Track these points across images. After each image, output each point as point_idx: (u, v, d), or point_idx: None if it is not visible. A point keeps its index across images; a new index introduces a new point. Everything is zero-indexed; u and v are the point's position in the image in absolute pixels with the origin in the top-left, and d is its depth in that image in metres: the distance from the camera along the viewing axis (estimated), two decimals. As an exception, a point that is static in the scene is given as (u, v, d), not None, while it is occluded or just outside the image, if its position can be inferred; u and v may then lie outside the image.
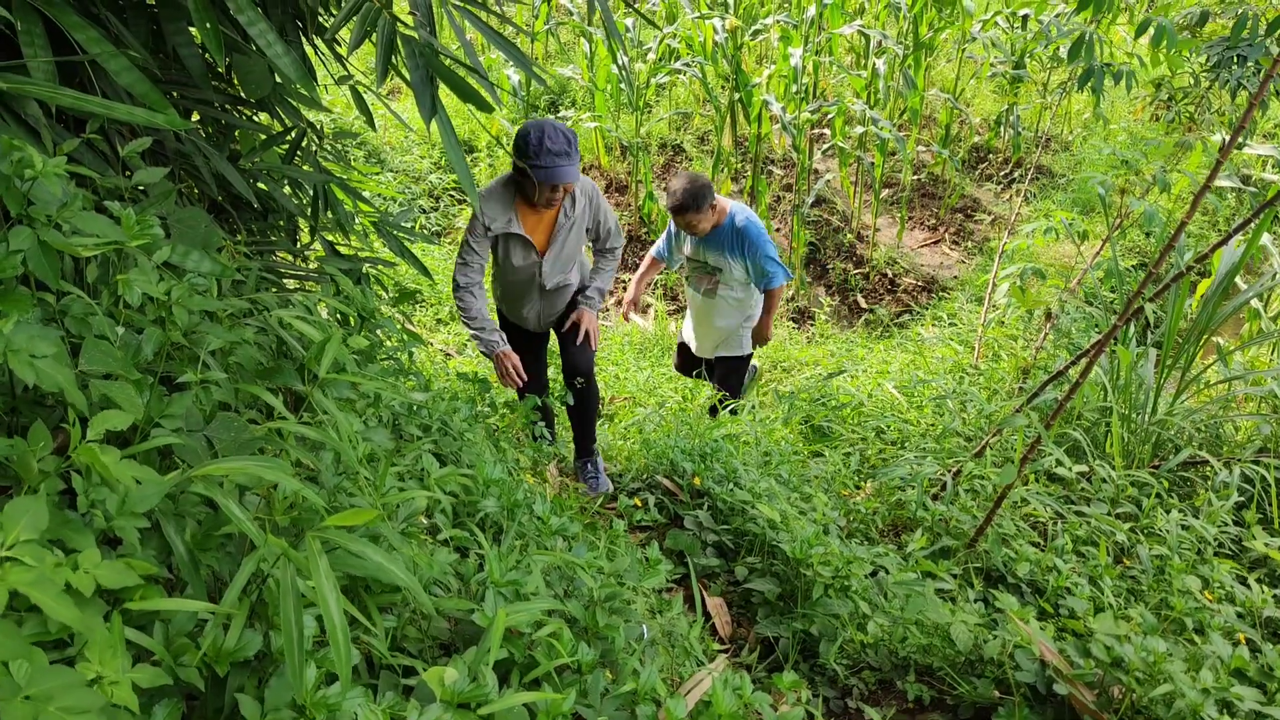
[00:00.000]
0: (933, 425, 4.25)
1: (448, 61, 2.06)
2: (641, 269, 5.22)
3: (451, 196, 7.91)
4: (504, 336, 4.01)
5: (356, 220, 3.13)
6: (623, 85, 7.65)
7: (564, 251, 4.03)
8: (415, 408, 2.67)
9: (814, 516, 3.11)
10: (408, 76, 2.04)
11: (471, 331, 4.04)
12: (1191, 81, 6.39)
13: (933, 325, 6.17)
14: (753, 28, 8.16)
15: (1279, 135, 8.14)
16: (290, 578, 1.23)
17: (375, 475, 1.75)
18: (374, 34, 1.90)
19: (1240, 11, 5.57)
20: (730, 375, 5.27)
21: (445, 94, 2.30)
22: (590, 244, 4.28)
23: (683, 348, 5.47)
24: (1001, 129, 8.75)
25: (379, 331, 2.93)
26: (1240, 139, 6.04)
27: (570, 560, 1.91)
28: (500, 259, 4.01)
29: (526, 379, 4.02)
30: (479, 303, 3.97)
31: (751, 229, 4.76)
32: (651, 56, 7.86)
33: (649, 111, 8.71)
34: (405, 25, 2.12)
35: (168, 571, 1.38)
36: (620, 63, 7.42)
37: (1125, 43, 8.30)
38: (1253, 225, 4.43)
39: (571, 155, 3.63)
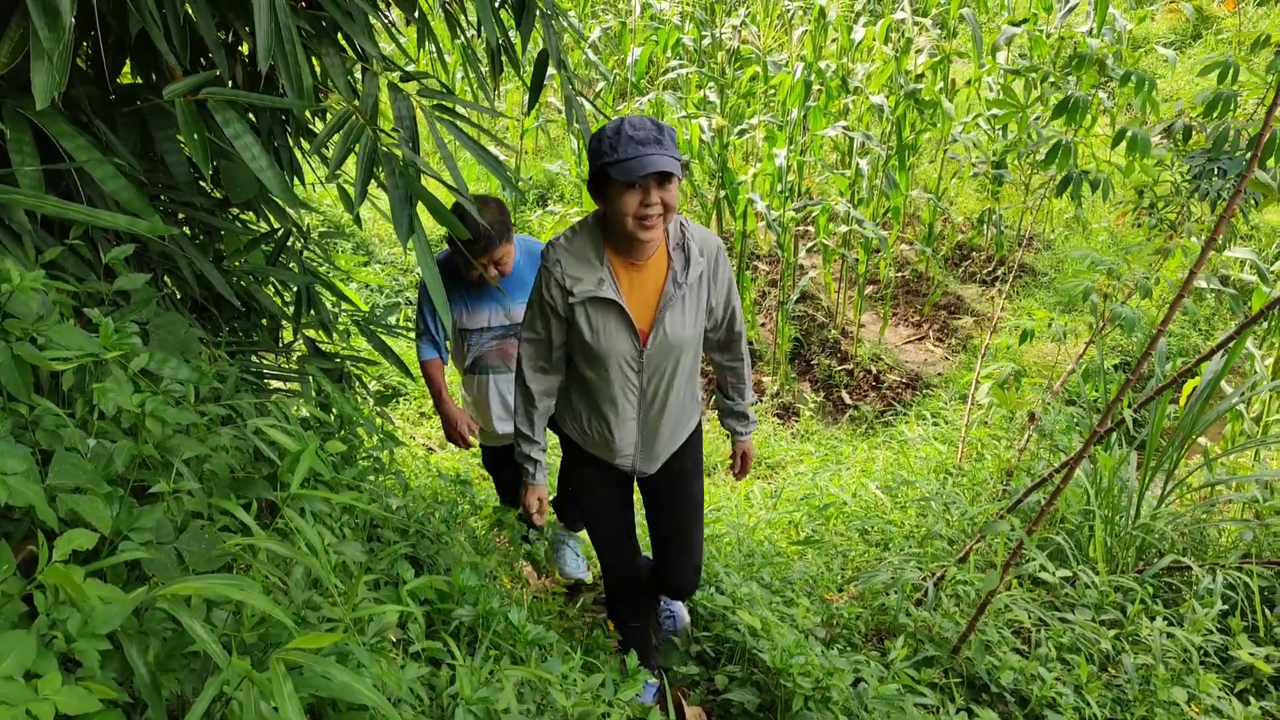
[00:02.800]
0: (916, 527, 4.23)
1: (430, 182, 2.08)
2: (436, 385, 3.84)
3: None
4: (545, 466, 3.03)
5: (339, 318, 3.15)
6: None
7: (675, 338, 2.74)
8: (393, 511, 2.65)
9: (796, 623, 3.08)
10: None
11: (530, 461, 2.98)
12: (1173, 190, 6.50)
13: (917, 423, 6.18)
14: (738, 127, 8.31)
15: (1255, 237, 8.28)
16: (254, 701, 1.21)
17: (348, 585, 1.72)
18: (356, 149, 1.92)
19: (1221, 127, 5.70)
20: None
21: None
22: (706, 331, 2.96)
23: (494, 462, 4.16)
24: (984, 228, 8.87)
25: (359, 429, 2.92)
26: (1215, 247, 6.14)
27: (543, 676, 1.88)
28: (575, 344, 2.77)
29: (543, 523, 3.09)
30: (544, 421, 3.00)
31: (539, 245, 3.73)
32: (639, 154, 7.97)
33: (636, 207, 8.81)
34: (389, 136, 2.16)
35: (129, 695, 1.35)
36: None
37: (1105, 149, 8.47)
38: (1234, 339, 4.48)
39: (665, 144, 2.47)
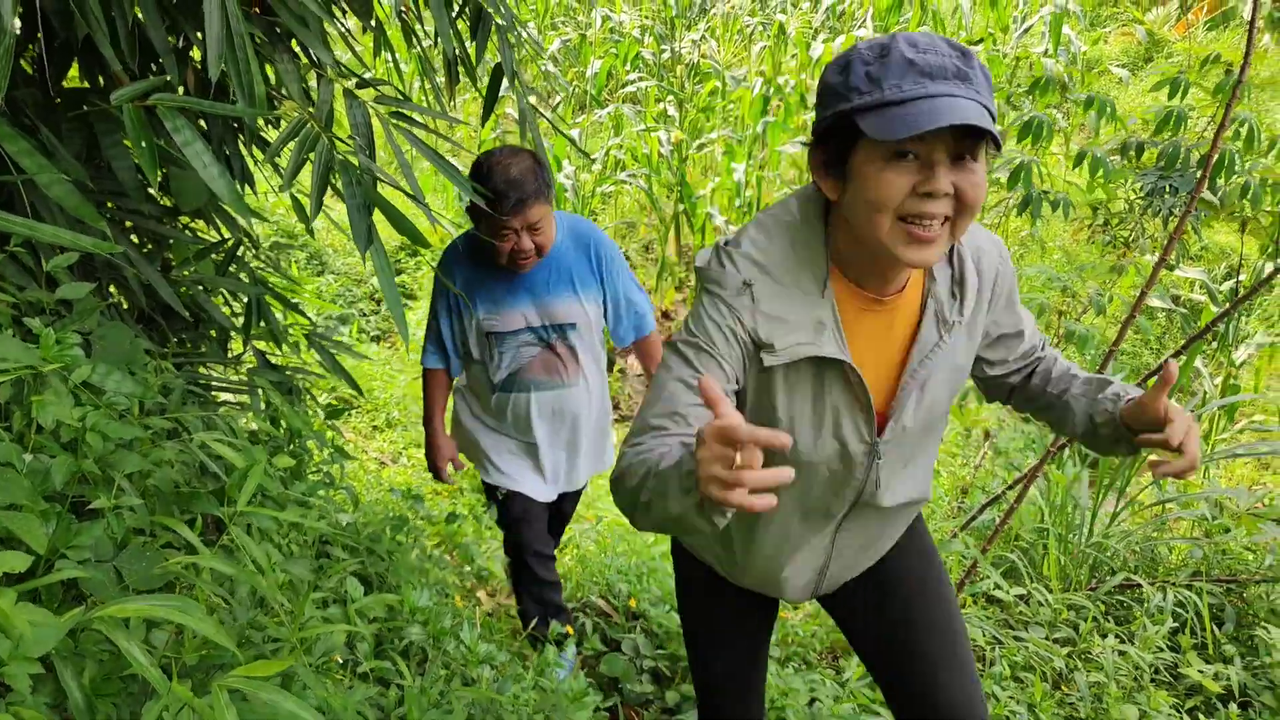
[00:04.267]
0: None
1: (388, 189, 2.05)
2: (432, 401, 3.19)
3: (395, 299, 7.89)
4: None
5: (290, 330, 3.09)
6: (568, 194, 7.73)
7: (930, 415, 1.70)
8: (342, 528, 2.60)
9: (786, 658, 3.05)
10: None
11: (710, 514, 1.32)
12: (1126, 207, 6.60)
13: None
14: (698, 141, 8.33)
15: (1204, 257, 8.40)
16: (193, 728, 1.17)
17: (295, 604, 1.68)
18: (311, 157, 1.89)
19: (1173, 145, 5.78)
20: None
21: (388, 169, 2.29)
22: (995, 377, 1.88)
23: (525, 511, 3.20)
24: (940, 245, 8.94)
25: (310, 443, 2.87)
26: (1169, 263, 6.23)
27: (494, 697, 1.85)
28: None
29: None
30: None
31: (590, 225, 3.06)
32: (598, 166, 7.97)
33: (596, 218, 8.80)
34: (345, 144, 2.12)
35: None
36: (565, 171, 7.52)
37: (1061, 167, 8.58)
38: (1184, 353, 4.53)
39: (973, 79, 1.35)
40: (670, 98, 8.92)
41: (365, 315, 7.63)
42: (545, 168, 2.75)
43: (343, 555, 2.55)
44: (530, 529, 3.21)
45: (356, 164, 1.97)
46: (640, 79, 9.07)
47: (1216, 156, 5.38)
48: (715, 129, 8.59)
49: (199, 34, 2.17)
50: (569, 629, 3.22)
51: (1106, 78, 10.60)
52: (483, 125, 3.16)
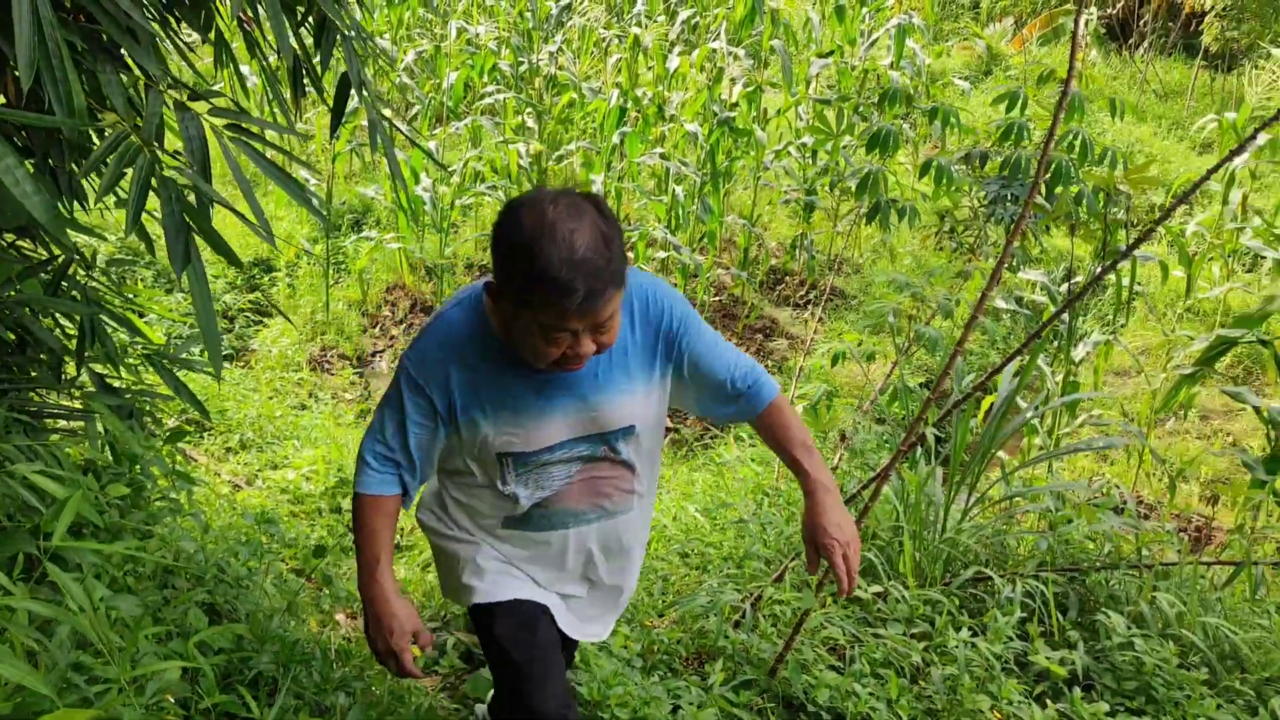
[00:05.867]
0: (735, 548, 4.27)
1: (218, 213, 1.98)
2: (374, 542, 2.11)
3: (247, 317, 7.65)
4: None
5: (130, 352, 2.97)
6: (427, 206, 7.63)
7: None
8: (186, 557, 2.50)
9: (614, 652, 3.05)
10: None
11: None
12: (971, 215, 6.84)
13: (735, 445, 6.27)
14: (556, 153, 8.33)
15: (1045, 260, 8.78)
16: (6, 780, 1.10)
17: (129, 641, 1.60)
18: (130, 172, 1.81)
19: (1013, 154, 6.04)
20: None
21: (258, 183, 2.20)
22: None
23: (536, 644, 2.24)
24: (797, 252, 9.12)
25: (153, 469, 2.76)
26: (1010, 267, 6.49)
27: (345, 726, 1.79)
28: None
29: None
30: None
31: (652, 283, 2.18)
32: (456, 179, 7.89)
33: (455, 232, 8.71)
34: (175, 159, 2.04)
35: None
36: (423, 184, 7.42)
37: (910, 176, 8.87)
38: (1027, 351, 4.72)
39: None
40: (529, 109, 8.90)
41: (231, 333, 7.40)
42: (615, 226, 1.87)
43: (187, 585, 2.45)
44: (546, 678, 2.19)
45: (178, 180, 1.89)
46: (498, 91, 9.01)
47: (1052, 165, 5.65)
48: (574, 140, 8.59)
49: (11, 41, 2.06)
50: None
51: (950, 89, 10.98)
52: (332, 136, 3.08)
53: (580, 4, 9.87)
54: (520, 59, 9.40)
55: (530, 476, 2.14)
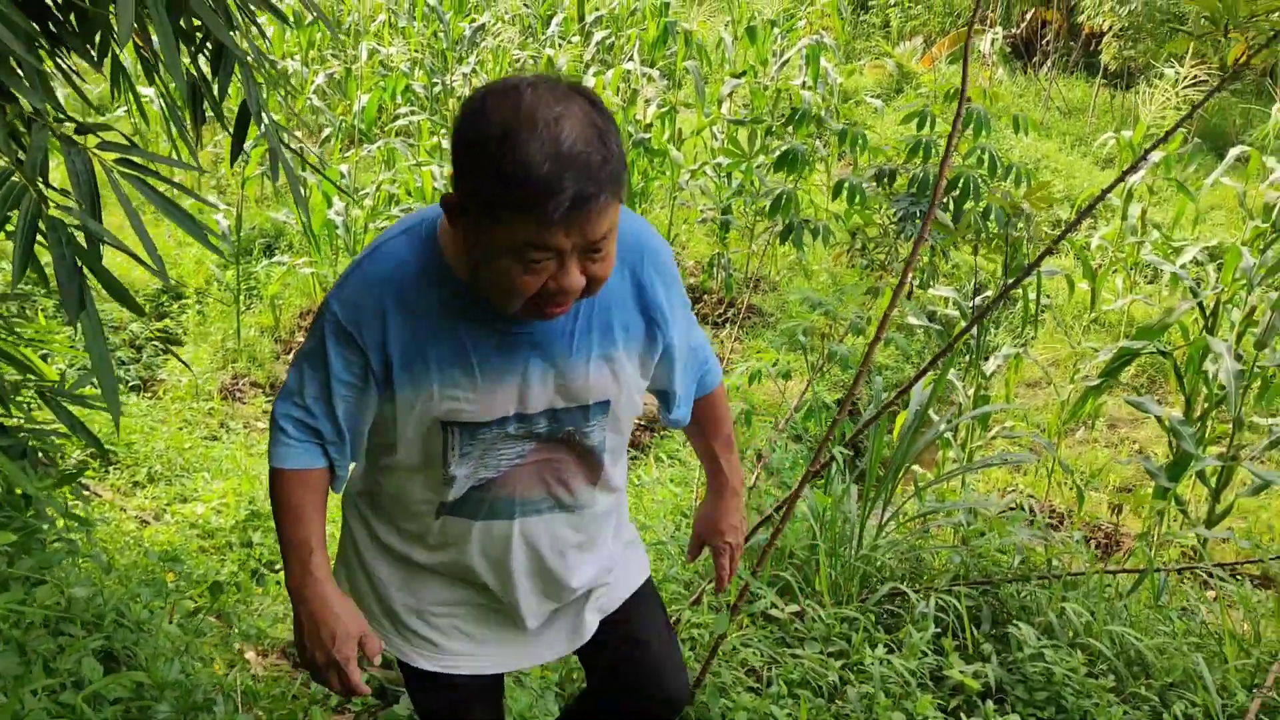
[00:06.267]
0: (653, 571, 4.26)
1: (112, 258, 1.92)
2: (302, 524, 1.73)
3: (155, 346, 7.47)
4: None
5: (22, 388, 2.87)
6: (339, 230, 7.54)
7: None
8: (83, 602, 2.42)
9: (530, 684, 3.02)
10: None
11: None
12: (881, 232, 6.94)
13: (654, 466, 6.28)
14: (472, 175, 8.27)
15: (956, 275, 8.95)
16: None
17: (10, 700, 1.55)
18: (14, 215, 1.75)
19: (923, 171, 6.15)
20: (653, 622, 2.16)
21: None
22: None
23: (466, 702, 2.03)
24: (714, 271, 9.18)
25: (50, 510, 2.67)
26: (921, 283, 6.60)
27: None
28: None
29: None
30: None
31: (639, 224, 1.81)
32: (369, 202, 7.81)
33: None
34: (63, 197, 1.98)
35: None
36: (335, 208, 7.33)
37: (823, 194, 8.97)
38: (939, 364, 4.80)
39: None
40: (443, 131, 8.85)
41: (124, 364, 7.20)
42: (611, 122, 1.48)
43: (83, 632, 2.37)
44: None
45: (68, 221, 1.84)
46: (412, 112, 8.95)
47: (961, 181, 5.76)
48: (489, 162, 8.56)
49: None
50: None
51: (863, 107, 11.18)
52: (232, 164, 3.03)
53: (494, 25, 9.85)
54: (434, 80, 9.36)
55: (476, 453, 1.72)
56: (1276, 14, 2.96)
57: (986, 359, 6.25)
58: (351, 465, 1.85)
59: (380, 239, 1.69)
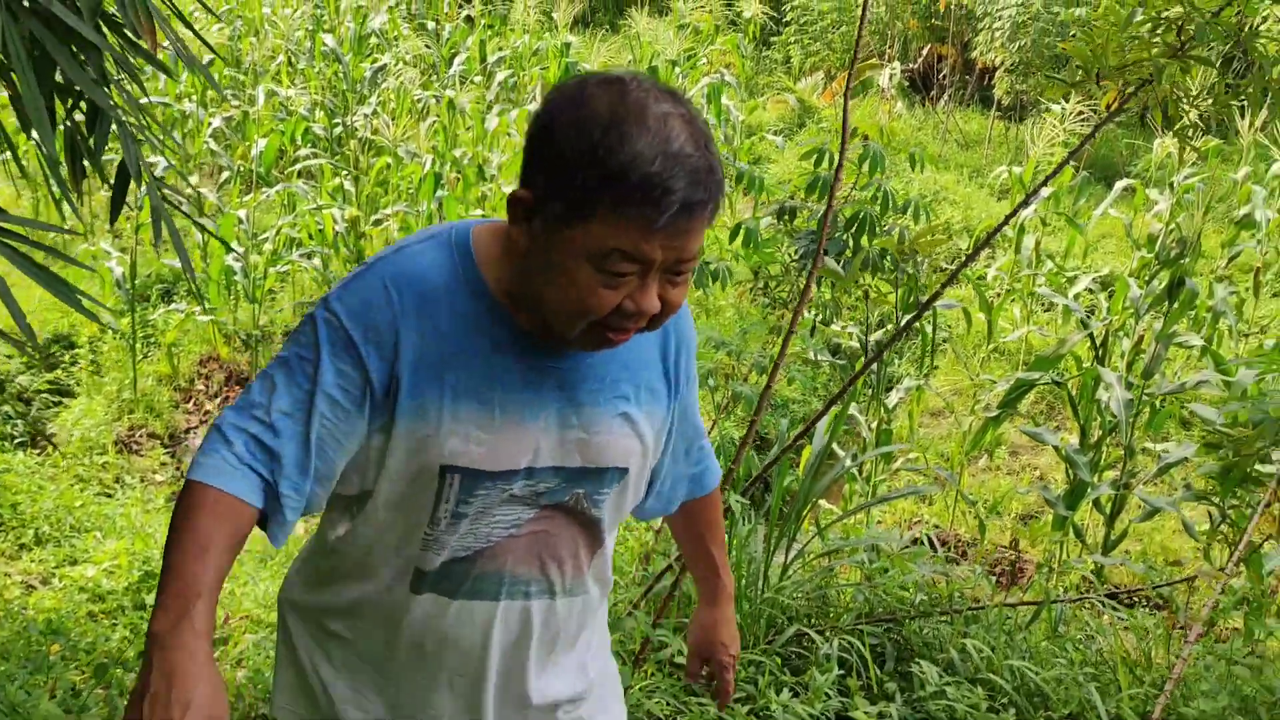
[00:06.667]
0: (560, 620, 4.23)
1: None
2: (196, 559, 1.23)
3: (45, 399, 7.23)
4: None
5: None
6: (237, 276, 7.40)
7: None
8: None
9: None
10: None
11: None
12: (783, 270, 7.02)
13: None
14: (374, 216, 8.20)
15: (859, 309, 9.09)
16: None
17: None
18: None
19: (822, 208, 6.24)
20: None
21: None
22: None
23: None
24: (622, 309, 9.22)
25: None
26: (825, 319, 6.69)
27: None
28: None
29: None
30: None
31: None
32: (269, 246, 7.68)
33: (272, 300, 8.45)
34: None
35: None
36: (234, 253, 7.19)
37: (724, 233, 9.06)
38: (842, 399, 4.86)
39: None
40: (345, 173, 8.75)
41: (10, 419, 6.95)
42: (710, 130, 1.36)
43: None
44: None
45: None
46: (313, 155, 8.84)
47: (860, 216, 5.86)
48: (391, 204, 8.49)
49: None
50: None
51: (765, 143, 11.33)
52: (111, 224, 2.96)
53: (395, 66, 9.80)
54: (335, 121, 9.26)
55: (470, 513, 1.43)
56: (1144, 63, 3.08)
57: (889, 391, 6.35)
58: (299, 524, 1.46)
59: (400, 242, 1.47)
